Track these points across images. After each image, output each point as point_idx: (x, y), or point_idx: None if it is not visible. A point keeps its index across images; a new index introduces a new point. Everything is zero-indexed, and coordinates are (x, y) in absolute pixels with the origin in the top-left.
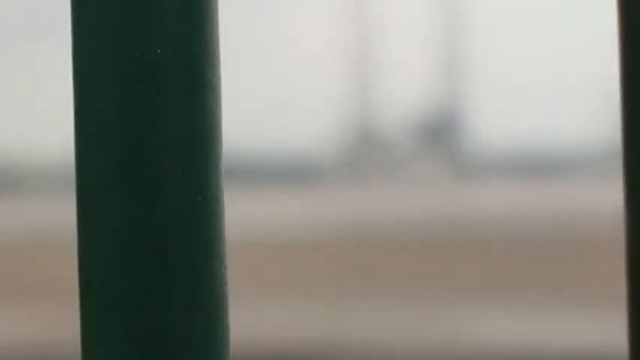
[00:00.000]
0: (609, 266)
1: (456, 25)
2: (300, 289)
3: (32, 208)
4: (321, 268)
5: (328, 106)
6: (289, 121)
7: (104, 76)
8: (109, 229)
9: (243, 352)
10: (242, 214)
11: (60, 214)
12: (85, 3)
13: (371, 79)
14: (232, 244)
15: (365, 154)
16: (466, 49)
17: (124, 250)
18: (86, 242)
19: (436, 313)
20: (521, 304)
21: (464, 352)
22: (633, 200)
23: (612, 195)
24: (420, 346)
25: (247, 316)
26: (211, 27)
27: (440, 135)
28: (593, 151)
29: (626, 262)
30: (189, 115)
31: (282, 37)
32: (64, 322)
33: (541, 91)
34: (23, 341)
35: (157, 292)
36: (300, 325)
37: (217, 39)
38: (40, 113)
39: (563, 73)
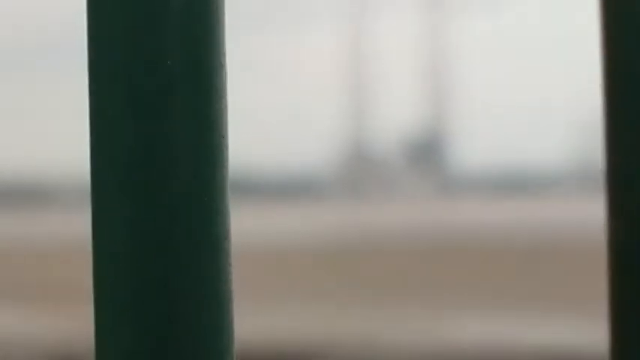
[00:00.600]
0: (576, 271)
1: (443, 55)
2: (303, 290)
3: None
4: (321, 274)
5: (327, 129)
6: (292, 141)
7: (118, 86)
8: (121, 226)
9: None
10: (252, 224)
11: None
12: (99, 18)
13: (365, 103)
14: (246, 249)
15: (360, 171)
16: (452, 76)
17: (135, 246)
18: (100, 239)
19: (420, 312)
20: (496, 304)
21: (441, 342)
22: (615, 214)
23: (583, 209)
24: (401, 337)
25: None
26: (218, 40)
27: (427, 154)
28: (564, 169)
29: (608, 272)
30: (197, 121)
31: (285, 66)
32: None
33: (520, 115)
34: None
35: (165, 287)
36: (300, 320)
37: (224, 50)
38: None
39: (539, 99)
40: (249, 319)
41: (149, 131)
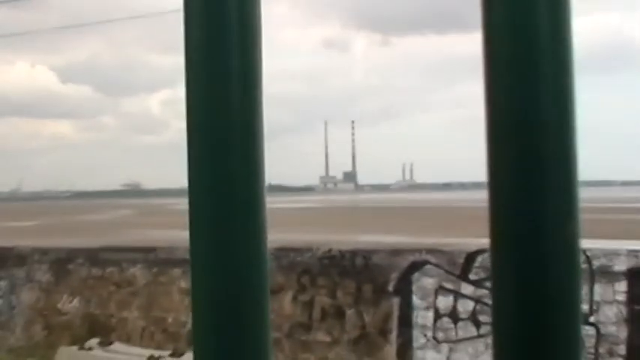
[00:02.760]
0: (406, 218)
1: (354, 142)
2: (307, 224)
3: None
4: (313, 219)
5: (316, 169)
6: (304, 172)
7: (210, 124)
8: (209, 211)
9: (288, 245)
10: (284, 203)
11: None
12: (198, 89)
13: (330, 163)
14: (283, 212)
15: (327, 183)
16: (357, 152)
17: (216, 224)
18: (196, 227)
19: (345, 234)
20: (377, 231)
21: (348, 242)
22: (496, 206)
23: (404, 197)
24: (343, 240)
25: (285, 231)
26: (259, 97)
27: (350, 178)
28: (394, 184)
29: (491, 250)
30: (244, 154)
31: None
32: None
33: (378, 167)
34: None
35: (226, 249)
36: (307, 236)
37: (261, 106)
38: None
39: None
40: (282, 235)
41: (221, 152)
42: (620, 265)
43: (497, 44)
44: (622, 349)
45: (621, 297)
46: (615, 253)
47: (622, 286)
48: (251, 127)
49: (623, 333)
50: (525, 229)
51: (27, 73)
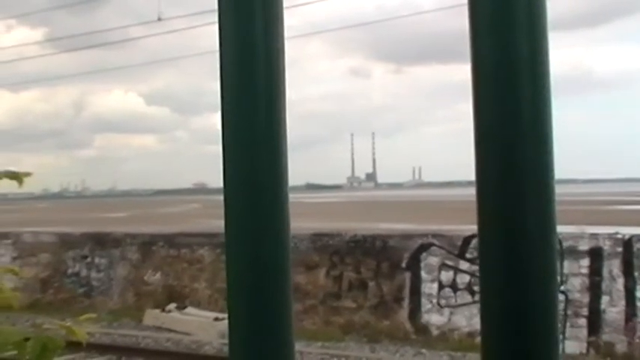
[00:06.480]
0: (405, 210)
1: (374, 149)
2: (337, 214)
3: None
4: (342, 210)
5: (344, 170)
6: (335, 175)
7: (240, 130)
8: (238, 205)
9: (310, 230)
10: (319, 198)
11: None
12: (235, 106)
13: (355, 163)
14: (318, 205)
15: (353, 183)
16: (376, 157)
17: (247, 217)
18: (231, 224)
19: (367, 222)
20: (391, 220)
21: (369, 229)
22: (483, 206)
23: (416, 194)
24: (364, 227)
25: (310, 220)
26: (282, 107)
27: (371, 178)
28: (405, 182)
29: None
30: (271, 159)
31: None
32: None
33: (388, 171)
34: None
35: (254, 236)
36: (337, 223)
37: (285, 117)
38: None
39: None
40: (317, 223)
41: (245, 158)
42: (584, 246)
43: (483, 66)
44: (585, 311)
45: (584, 270)
46: (580, 236)
47: (585, 262)
48: (276, 134)
49: (585, 298)
50: (509, 218)
51: (121, 99)
